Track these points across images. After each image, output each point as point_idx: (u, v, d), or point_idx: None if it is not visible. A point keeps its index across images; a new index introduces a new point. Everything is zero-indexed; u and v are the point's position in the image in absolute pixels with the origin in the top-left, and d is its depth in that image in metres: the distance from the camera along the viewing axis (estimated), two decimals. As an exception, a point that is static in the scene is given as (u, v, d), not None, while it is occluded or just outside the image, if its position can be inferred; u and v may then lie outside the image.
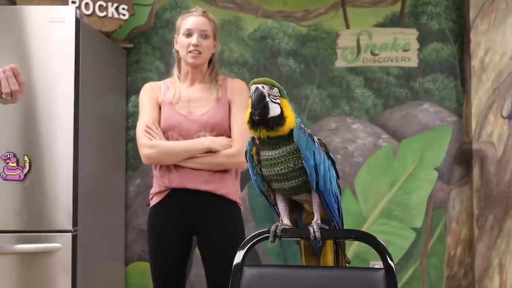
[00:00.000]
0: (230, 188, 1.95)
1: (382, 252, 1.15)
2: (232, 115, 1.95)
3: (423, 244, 2.79)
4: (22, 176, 2.39)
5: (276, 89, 1.22)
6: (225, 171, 1.94)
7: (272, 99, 1.21)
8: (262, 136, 1.23)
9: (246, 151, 1.33)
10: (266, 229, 1.25)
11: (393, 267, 1.13)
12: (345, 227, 1.39)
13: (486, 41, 2.66)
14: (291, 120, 1.22)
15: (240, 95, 1.96)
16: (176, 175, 1.91)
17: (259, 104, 1.18)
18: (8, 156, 2.33)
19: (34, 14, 2.39)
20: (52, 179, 2.37)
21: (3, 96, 1.41)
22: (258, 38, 2.95)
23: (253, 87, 1.21)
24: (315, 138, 1.28)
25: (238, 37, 2.96)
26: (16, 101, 1.43)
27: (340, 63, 2.90)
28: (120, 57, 2.96)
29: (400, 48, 2.85)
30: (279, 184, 1.28)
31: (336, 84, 2.89)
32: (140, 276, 2.94)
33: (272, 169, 1.26)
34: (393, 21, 2.86)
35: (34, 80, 2.35)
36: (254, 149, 1.30)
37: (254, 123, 1.21)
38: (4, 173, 2.33)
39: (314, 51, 2.91)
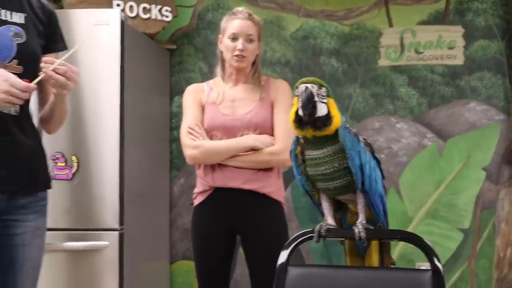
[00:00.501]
0: (273, 187, 1.95)
1: (429, 253, 1.15)
2: (275, 115, 1.96)
3: (471, 245, 2.76)
4: (71, 176, 2.41)
5: (324, 89, 1.22)
6: (268, 169, 1.94)
7: (320, 99, 1.21)
8: (308, 136, 1.24)
9: (290, 150, 1.33)
10: (311, 229, 1.26)
11: (441, 268, 1.12)
12: (390, 227, 1.38)
13: (536, 37, 2.59)
14: (338, 119, 1.22)
15: (283, 95, 1.97)
16: (220, 174, 1.92)
17: (309, 104, 1.18)
18: (57, 156, 2.36)
19: (80, 18, 2.43)
20: (99, 178, 2.41)
21: (62, 84, 1.43)
22: (300, 37, 2.95)
23: (302, 86, 1.20)
24: (361, 138, 1.28)
25: (280, 37, 2.97)
26: (75, 81, 1.46)
27: (383, 62, 2.88)
28: (163, 58, 2.99)
29: (445, 46, 2.81)
30: (324, 184, 1.28)
31: (379, 83, 2.88)
32: (184, 275, 2.96)
33: (317, 169, 1.26)
34: (437, 19, 2.83)
35: (81, 82, 2.20)
36: (298, 148, 1.31)
37: (300, 122, 1.21)
38: (53, 172, 2.34)
39: (357, 50, 2.91)
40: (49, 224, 2.18)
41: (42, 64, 1.42)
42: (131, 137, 2.52)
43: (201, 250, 1.97)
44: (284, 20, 2.98)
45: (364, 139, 1.30)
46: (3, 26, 1.42)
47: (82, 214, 2.42)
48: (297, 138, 1.31)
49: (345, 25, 2.93)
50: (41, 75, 1.44)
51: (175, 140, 2.91)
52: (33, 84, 1.40)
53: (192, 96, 2.03)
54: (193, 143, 1.91)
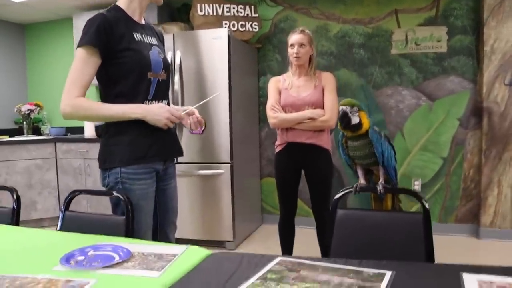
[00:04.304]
0: (324, 141, 2.22)
1: (420, 200, 1.26)
2: (325, 95, 2.18)
3: (447, 167, 3.27)
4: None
5: (355, 107, 1.42)
6: (320, 130, 2.19)
7: (353, 114, 1.43)
8: (348, 134, 1.48)
9: (338, 141, 1.53)
10: (351, 186, 1.42)
11: (427, 208, 1.20)
12: (397, 158, 1.57)
13: (495, 33, 3.05)
14: (366, 125, 1.44)
15: (329, 82, 2.20)
16: (291, 133, 2.21)
17: (344, 118, 1.43)
18: (194, 120, 2.66)
19: (204, 34, 3.03)
20: (217, 131, 2.98)
21: (193, 132, 1.61)
22: (339, 36, 3.48)
23: (340, 108, 1.42)
24: (382, 134, 1.48)
25: (326, 36, 3.51)
26: (202, 132, 1.61)
27: (394, 51, 3.36)
28: (253, 53, 3.62)
29: (435, 40, 3.24)
30: (359, 161, 1.52)
31: (391, 65, 3.37)
32: (269, 185, 3.70)
33: (355, 153, 1.49)
34: (430, 21, 3.27)
35: (207, 72, 2.96)
36: (344, 139, 1.51)
37: (343, 127, 1.45)
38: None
39: (376, 43, 3.40)
40: (189, 159, 2.90)
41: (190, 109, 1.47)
42: (236, 103, 3.06)
43: (281, 179, 2.30)
44: (329, 25, 3.49)
45: (384, 133, 1.49)
46: (153, 47, 1.50)
47: (208, 153, 3.00)
48: (343, 134, 1.50)
49: (369, 28, 3.40)
50: (189, 109, 1.54)
51: (262, 104, 3.58)
52: (183, 114, 1.52)
53: (273, 84, 2.30)
54: (274, 114, 2.20)
